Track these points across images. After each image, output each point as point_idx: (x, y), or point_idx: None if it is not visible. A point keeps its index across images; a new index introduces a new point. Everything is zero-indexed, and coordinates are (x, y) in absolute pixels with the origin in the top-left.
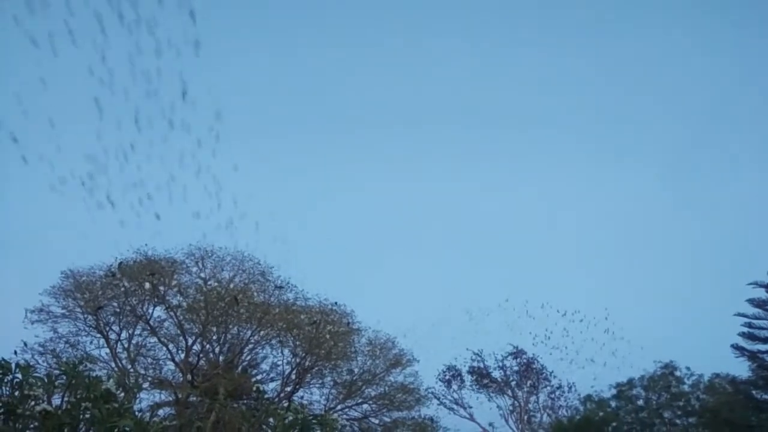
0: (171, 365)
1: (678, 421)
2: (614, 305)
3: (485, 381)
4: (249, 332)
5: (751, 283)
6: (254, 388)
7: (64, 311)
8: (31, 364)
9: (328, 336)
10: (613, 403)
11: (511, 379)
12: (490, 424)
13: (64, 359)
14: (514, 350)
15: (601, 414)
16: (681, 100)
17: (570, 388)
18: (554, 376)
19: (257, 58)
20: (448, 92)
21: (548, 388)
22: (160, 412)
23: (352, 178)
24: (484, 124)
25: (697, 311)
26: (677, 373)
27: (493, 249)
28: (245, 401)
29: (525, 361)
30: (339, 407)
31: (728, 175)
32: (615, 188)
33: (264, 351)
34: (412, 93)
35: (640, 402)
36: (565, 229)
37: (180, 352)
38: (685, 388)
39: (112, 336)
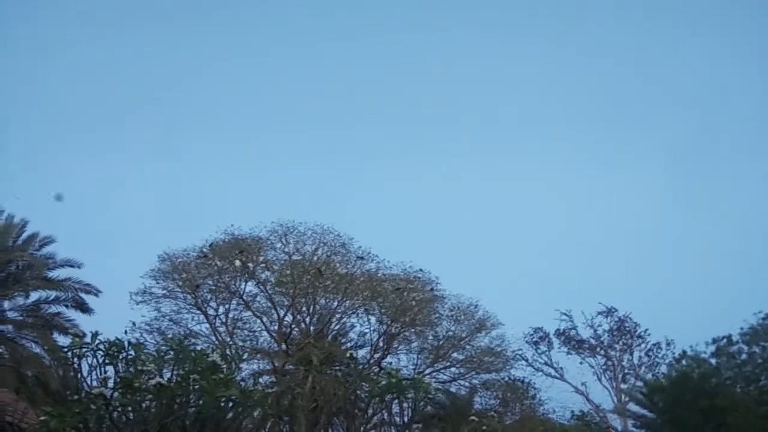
0: (266, 336)
1: None
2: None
3: (573, 343)
4: (335, 302)
5: None
6: (347, 355)
7: (164, 292)
8: (141, 342)
9: (413, 303)
10: (712, 360)
11: (603, 339)
12: (583, 384)
13: (170, 336)
14: (605, 309)
15: (699, 370)
16: (687, 94)
17: (668, 344)
18: (649, 334)
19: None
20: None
21: (643, 345)
22: (260, 380)
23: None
24: (484, 120)
25: None
26: None
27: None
28: (338, 368)
29: (617, 319)
30: (428, 371)
31: (735, 172)
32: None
33: (351, 320)
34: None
35: (744, 356)
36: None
37: (273, 323)
38: None
39: (210, 312)
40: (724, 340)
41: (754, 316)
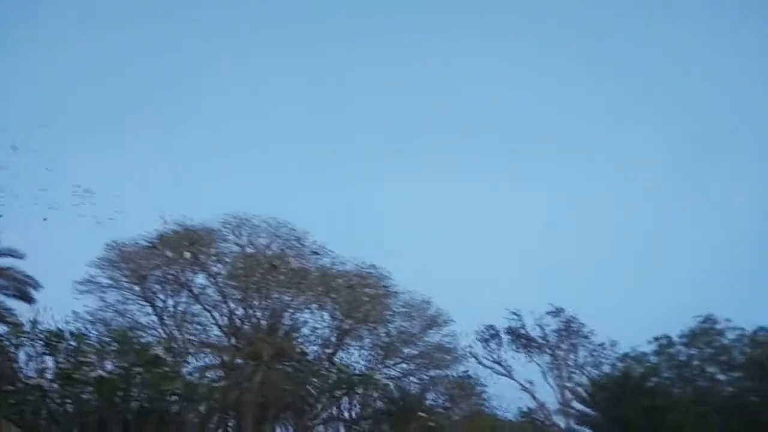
0: (216, 330)
1: (721, 376)
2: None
3: (522, 340)
4: (288, 297)
5: None
6: (297, 350)
7: (110, 281)
8: (83, 332)
9: (365, 299)
10: (652, 359)
11: (550, 338)
12: (530, 382)
13: (114, 327)
14: (554, 309)
15: (640, 369)
16: (687, 96)
17: (612, 344)
18: (594, 334)
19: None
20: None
21: (589, 345)
22: (208, 374)
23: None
24: (483, 120)
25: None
26: (718, 326)
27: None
28: (288, 363)
29: (565, 319)
30: (378, 367)
31: (736, 173)
32: (620, 186)
33: (304, 315)
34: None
35: (682, 357)
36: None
37: (224, 317)
38: (726, 341)
39: (158, 303)
40: (664, 340)
41: (693, 319)
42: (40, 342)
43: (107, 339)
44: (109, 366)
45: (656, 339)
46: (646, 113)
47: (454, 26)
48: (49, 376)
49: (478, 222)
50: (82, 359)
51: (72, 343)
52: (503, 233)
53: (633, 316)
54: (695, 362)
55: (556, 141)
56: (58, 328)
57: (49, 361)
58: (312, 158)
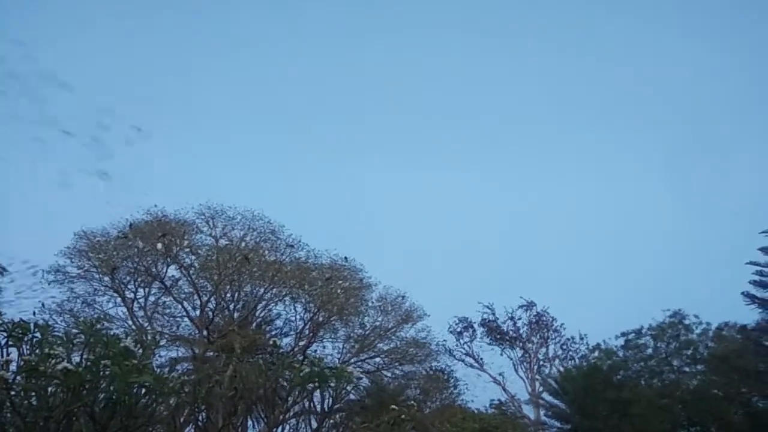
0: (187, 322)
1: (686, 369)
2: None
3: (495, 334)
4: (262, 290)
5: (763, 232)
6: (270, 342)
7: (79, 272)
8: (50, 323)
9: (339, 291)
10: (620, 353)
11: (522, 331)
12: (500, 374)
13: (82, 319)
14: (526, 303)
15: (609, 362)
16: (683, 95)
17: (582, 338)
18: (564, 328)
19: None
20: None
21: (559, 339)
22: (179, 367)
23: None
24: (481, 120)
25: (705, 263)
26: (686, 322)
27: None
28: (261, 356)
29: (536, 313)
30: (352, 361)
31: (730, 172)
32: (615, 184)
33: (277, 308)
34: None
35: (649, 351)
36: (568, 226)
37: (195, 309)
38: (694, 336)
39: (129, 295)
40: (633, 334)
41: (662, 313)
42: (4, 333)
43: (74, 331)
44: (76, 358)
45: (623, 334)
46: (646, 113)
47: (452, 25)
48: (13, 368)
49: (467, 218)
50: (48, 351)
51: (37, 335)
52: (492, 229)
53: (630, 315)
54: (662, 355)
55: (555, 141)
56: (23, 320)
57: (14, 354)
58: (299, 155)
